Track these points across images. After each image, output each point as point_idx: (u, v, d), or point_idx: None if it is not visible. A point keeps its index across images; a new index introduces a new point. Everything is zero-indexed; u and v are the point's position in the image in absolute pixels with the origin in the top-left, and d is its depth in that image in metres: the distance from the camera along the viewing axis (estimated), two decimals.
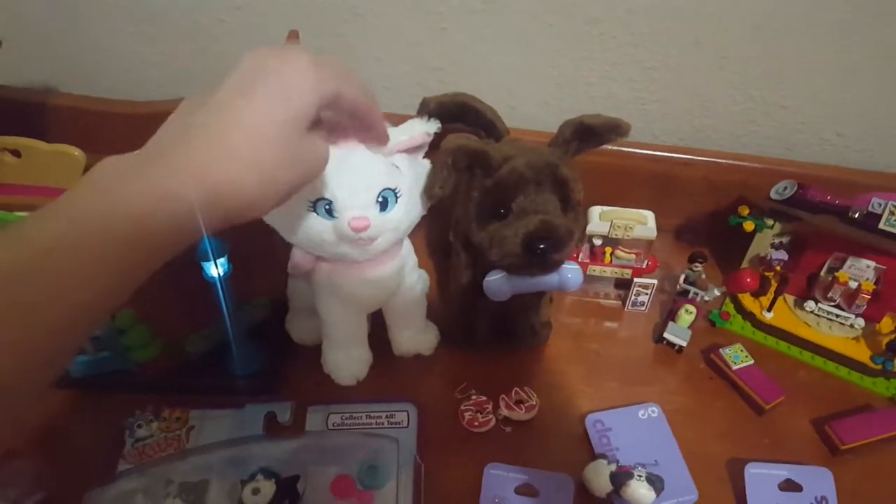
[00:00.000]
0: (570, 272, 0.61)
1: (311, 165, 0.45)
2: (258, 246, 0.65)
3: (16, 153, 0.78)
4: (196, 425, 0.67)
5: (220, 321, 0.66)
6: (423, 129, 0.57)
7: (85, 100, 0.90)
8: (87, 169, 0.77)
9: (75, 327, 0.36)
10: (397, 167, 0.57)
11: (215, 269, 0.62)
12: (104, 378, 0.68)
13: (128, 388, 0.69)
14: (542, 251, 0.58)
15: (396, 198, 0.57)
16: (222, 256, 0.61)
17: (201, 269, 0.62)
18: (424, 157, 0.61)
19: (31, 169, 0.79)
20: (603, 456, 0.64)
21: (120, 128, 0.87)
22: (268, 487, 0.59)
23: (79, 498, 0.58)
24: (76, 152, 0.77)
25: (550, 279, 0.61)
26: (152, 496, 0.60)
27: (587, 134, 0.62)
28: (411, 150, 0.59)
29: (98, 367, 0.67)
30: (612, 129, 0.62)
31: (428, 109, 0.70)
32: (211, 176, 0.38)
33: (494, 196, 0.59)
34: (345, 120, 0.50)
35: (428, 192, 0.58)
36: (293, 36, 0.58)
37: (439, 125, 0.58)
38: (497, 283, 0.60)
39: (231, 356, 0.69)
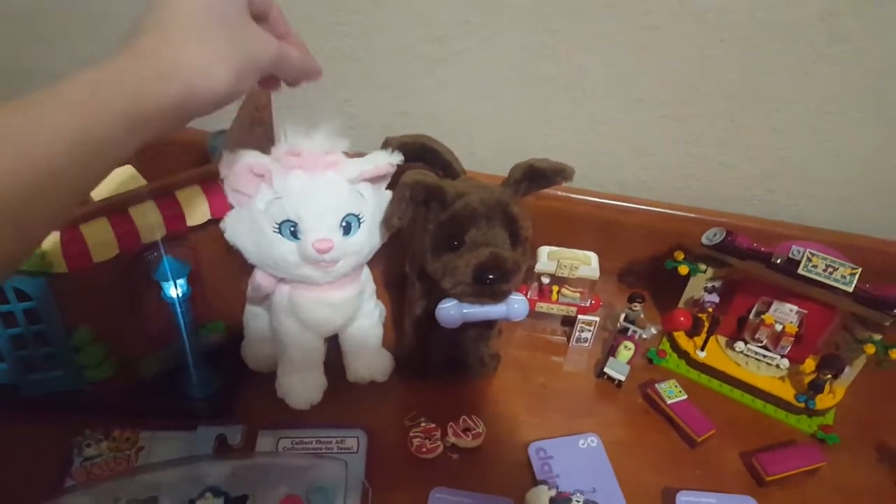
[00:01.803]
0: (517, 302, 0.65)
1: (257, 46, 0.47)
2: (215, 271, 0.68)
3: None
4: (146, 446, 0.67)
5: (177, 342, 0.68)
6: (387, 160, 0.62)
7: None
8: None
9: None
10: (361, 194, 0.61)
11: (174, 289, 0.63)
12: (56, 396, 0.68)
13: (79, 407, 0.69)
14: (492, 281, 0.61)
15: (360, 223, 0.60)
16: (181, 277, 0.63)
17: (160, 289, 0.64)
18: (387, 188, 0.65)
19: None
20: (544, 482, 0.66)
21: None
22: None
23: None
24: None
25: (498, 308, 0.64)
26: None
27: (536, 176, 0.66)
28: (375, 180, 0.62)
29: (50, 385, 0.68)
30: (559, 173, 0.67)
31: (391, 147, 0.74)
32: (160, 53, 0.41)
33: (448, 228, 0.63)
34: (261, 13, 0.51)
35: (387, 222, 0.62)
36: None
37: (402, 157, 0.62)
38: (449, 310, 0.64)
39: (185, 378, 0.70)
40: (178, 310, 0.65)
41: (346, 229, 0.59)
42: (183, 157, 0.82)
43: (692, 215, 0.87)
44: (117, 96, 0.38)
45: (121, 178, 0.65)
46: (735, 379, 0.79)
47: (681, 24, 0.77)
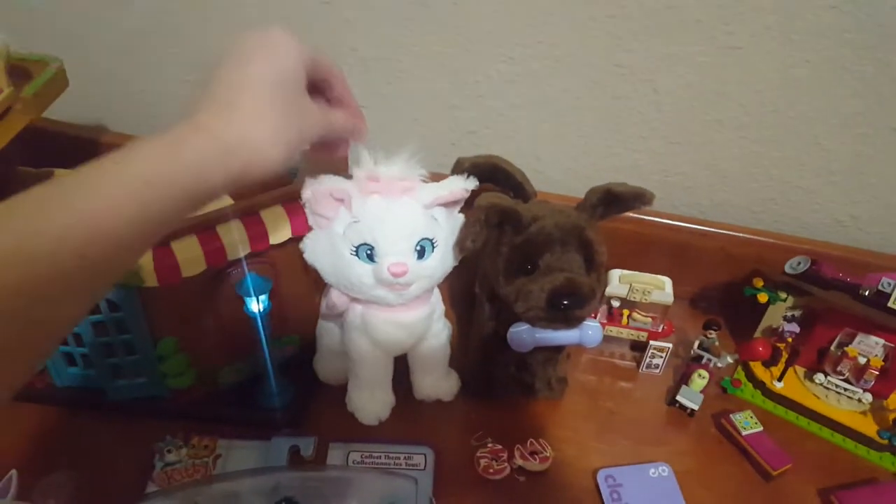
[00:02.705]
0: (591, 329, 0.64)
1: (308, 122, 0.49)
2: (291, 287, 0.70)
3: None
4: (223, 454, 0.69)
5: (256, 355, 0.70)
6: (462, 186, 0.62)
7: (133, 138, 0.95)
8: None
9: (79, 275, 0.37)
10: (436, 219, 0.61)
11: (256, 304, 0.65)
12: (139, 402, 0.72)
13: (160, 414, 0.72)
14: (566, 307, 0.61)
15: (433, 247, 0.61)
16: (264, 293, 0.65)
17: (242, 303, 0.66)
18: (460, 212, 0.66)
19: None
20: None
21: None
22: None
23: None
24: None
25: (571, 334, 0.64)
26: None
27: (613, 201, 0.66)
28: (449, 204, 0.63)
29: (135, 391, 0.71)
30: (637, 198, 0.66)
31: (463, 168, 0.75)
32: (224, 133, 0.43)
33: (523, 252, 0.63)
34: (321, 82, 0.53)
35: (460, 245, 0.62)
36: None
37: (477, 183, 0.63)
38: (521, 334, 0.64)
39: (261, 389, 0.72)
40: (259, 324, 0.67)
41: (421, 253, 0.60)
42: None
43: (772, 241, 0.84)
44: (180, 174, 0.41)
45: None
46: (814, 412, 0.77)
47: (764, 44, 0.75)
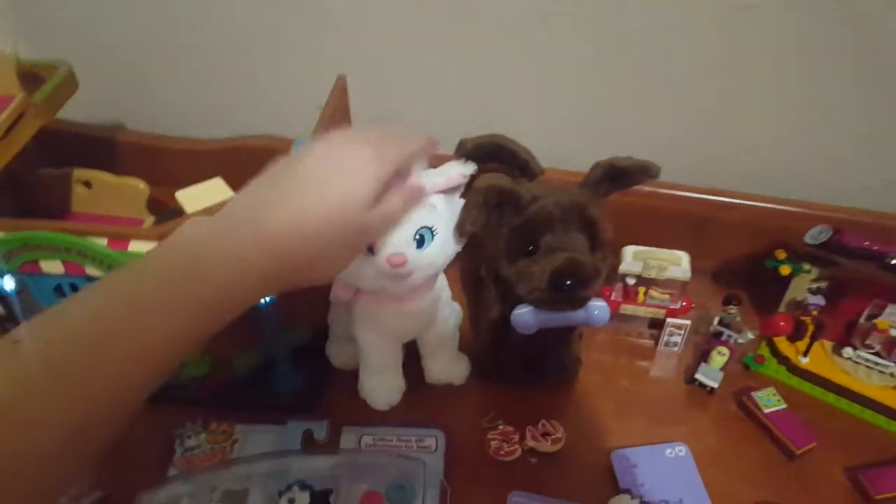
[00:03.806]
0: (597, 308, 0.63)
1: (368, 238, 0.52)
2: None
3: (87, 184, 0.86)
4: (240, 438, 0.71)
5: (268, 343, 0.71)
6: (459, 171, 0.61)
7: (150, 137, 0.98)
8: (149, 200, 0.85)
9: (148, 377, 0.41)
10: (434, 206, 0.61)
11: None
12: (160, 391, 0.73)
13: (180, 400, 0.74)
14: (568, 287, 0.60)
15: (433, 235, 0.60)
16: None
17: None
18: (461, 197, 0.65)
19: (101, 199, 0.86)
20: (627, 491, 0.65)
21: (181, 163, 0.94)
22: (302, 499, 0.63)
23: (132, 498, 0.63)
24: (141, 185, 0.84)
25: (577, 314, 0.63)
26: (197, 501, 0.64)
27: (617, 175, 0.64)
28: (448, 191, 0.62)
29: None
30: (643, 171, 0.64)
31: (465, 150, 0.74)
32: (282, 252, 0.44)
33: (523, 233, 0.62)
34: None
35: (459, 229, 0.61)
36: None
37: (475, 167, 0.62)
38: (524, 316, 0.63)
39: (275, 376, 0.73)
40: (267, 313, 0.68)
41: (420, 242, 0.59)
42: (264, 163, 0.86)
43: (796, 209, 0.81)
44: (242, 297, 0.43)
45: (211, 190, 0.69)
46: (841, 387, 0.74)
47: (783, 1, 0.71)
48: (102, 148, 0.96)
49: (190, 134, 0.97)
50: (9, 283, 0.66)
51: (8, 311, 0.69)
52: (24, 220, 0.64)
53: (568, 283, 0.60)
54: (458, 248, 0.65)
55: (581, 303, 0.62)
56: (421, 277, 0.62)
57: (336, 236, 0.46)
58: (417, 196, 0.56)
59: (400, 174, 0.54)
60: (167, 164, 0.94)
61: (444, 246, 0.62)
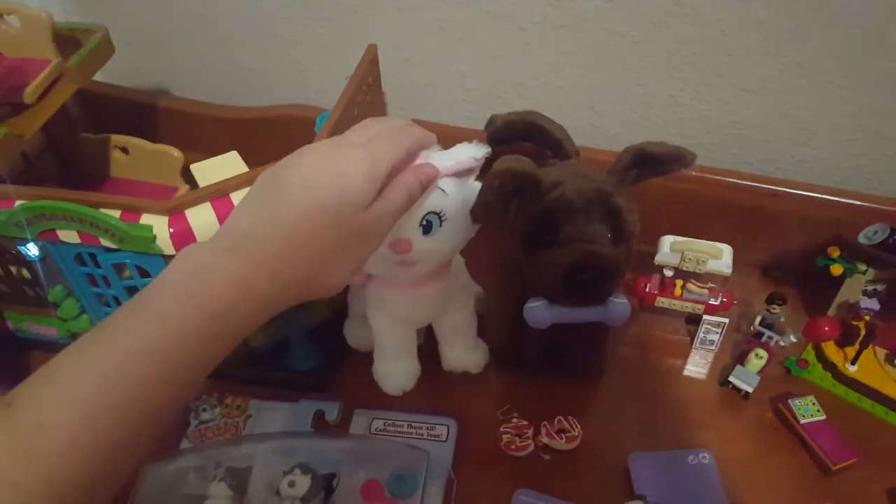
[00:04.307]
0: (616, 305, 0.59)
1: (374, 238, 0.48)
2: None
3: (125, 150, 0.87)
4: (253, 414, 0.71)
5: (285, 319, 0.70)
6: (470, 154, 0.57)
7: (187, 102, 0.97)
8: (184, 168, 0.85)
9: (148, 427, 0.39)
10: (444, 191, 0.57)
11: None
12: None
13: None
14: (585, 282, 0.56)
15: (441, 221, 0.57)
16: None
17: None
18: (477, 179, 0.61)
19: (137, 165, 0.87)
20: (642, 497, 0.61)
21: (216, 130, 0.94)
22: (303, 482, 0.62)
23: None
24: (175, 153, 0.84)
25: (593, 311, 0.59)
26: (202, 476, 0.64)
27: (647, 162, 0.59)
28: (460, 174, 0.59)
29: None
30: (675, 159, 0.59)
31: (494, 127, 0.70)
32: (281, 272, 0.42)
33: (541, 222, 0.58)
34: None
35: (473, 214, 0.58)
36: None
37: (489, 150, 0.58)
38: (536, 310, 0.59)
39: (291, 353, 0.73)
40: None
41: (427, 228, 0.56)
42: (297, 132, 0.85)
43: (857, 202, 0.73)
44: (245, 324, 0.43)
45: (226, 164, 0.68)
46: (893, 400, 0.67)
47: None
48: (142, 112, 0.96)
49: (225, 101, 0.96)
50: (33, 250, 0.67)
51: (33, 276, 0.71)
52: (41, 188, 0.64)
53: (584, 276, 0.56)
54: (472, 234, 0.61)
55: (599, 299, 0.58)
56: (428, 265, 0.60)
57: (336, 243, 0.44)
58: (427, 179, 0.52)
59: (405, 164, 0.52)
60: (203, 131, 0.94)
61: (454, 232, 0.58)
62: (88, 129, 0.89)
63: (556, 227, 0.58)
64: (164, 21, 0.93)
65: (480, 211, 0.58)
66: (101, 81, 0.84)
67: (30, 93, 0.71)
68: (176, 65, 0.98)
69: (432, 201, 0.56)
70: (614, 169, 0.60)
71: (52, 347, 0.76)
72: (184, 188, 0.87)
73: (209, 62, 0.96)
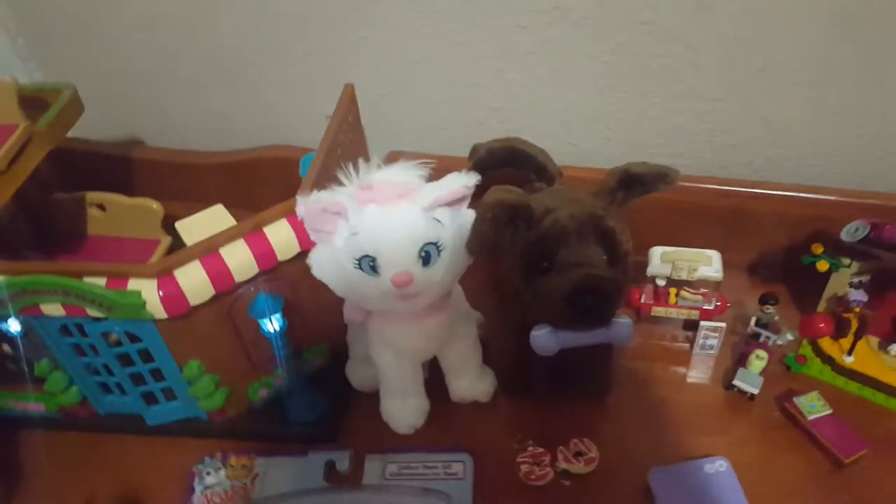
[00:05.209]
0: (620, 325, 0.59)
1: None
2: (314, 296, 0.67)
3: (101, 207, 0.85)
4: (261, 473, 0.69)
5: (282, 370, 0.69)
6: (462, 183, 0.57)
7: (161, 152, 0.96)
8: (165, 217, 0.83)
9: None
10: (439, 221, 0.57)
11: (271, 324, 0.64)
12: (178, 425, 0.72)
13: (197, 434, 0.72)
14: (587, 305, 0.56)
15: (439, 251, 0.57)
16: (276, 312, 0.64)
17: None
18: (470, 207, 0.61)
19: (115, 221, 0.85)
20: None
21: (194, 176, 0.93)
22: None
23: None
24: (154, 205, 0.82)
25: (598, 333, 0.59)
26: None
27: (633, 182, 0.60)
28: (452, 204, 0.59)
29: (170, 414, 0.71)
30: (660, 178, 0.60)
31: (478, 156, 0.70)
32: None
33: (537, 249, 0.58)
34: None
35: (469, 246, 0.58)
36: None
37: (478, 178, 0.58)
38: (542, 338, 0.59)
39: (292, 404, 0.71)
40: (276, 343, 0.65)
41: (426, 259, 0.56)
42: (278, 174, 0.84)
43: (834, 198, 0.76)
44: None
45: (212, 219, 0.66)
46: (891, 387, 0.69)
47: None
48: (115, 166, 0.94)
49: (204, 147, 0.95)
50: (14, 326, 0.65)
51: (14, 351, 0.69)
52: (21, 262, 0.62)
53: (586, 300, 0.56)
54: (469, 262, 0.61)
55: (602, 321, 0.59)
56: (430, 297, 0.59)
57: None
58: None
59: None
60: (181, 180, 0.93)
61: (452, 261, 0.58)
62: (60, 188, 0.87)
63: (552, 253, 0.58)
64: (127, 70, 0.92)
65: (476, 244, 0.58)
66: (71, 137, 0.82)
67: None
68: (144, 115, 0.97)
69: (429, 232, 0.56)
70: (602, 191, 0.61)
71: (38, 424, 0.74)
72: (166, 240, 0.86)
73: (177, 108, 0.95)
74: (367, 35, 0.81)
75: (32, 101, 0.75)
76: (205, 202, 0.78)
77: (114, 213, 0.85)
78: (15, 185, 0.71)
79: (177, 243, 0.83)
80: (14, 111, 0.73)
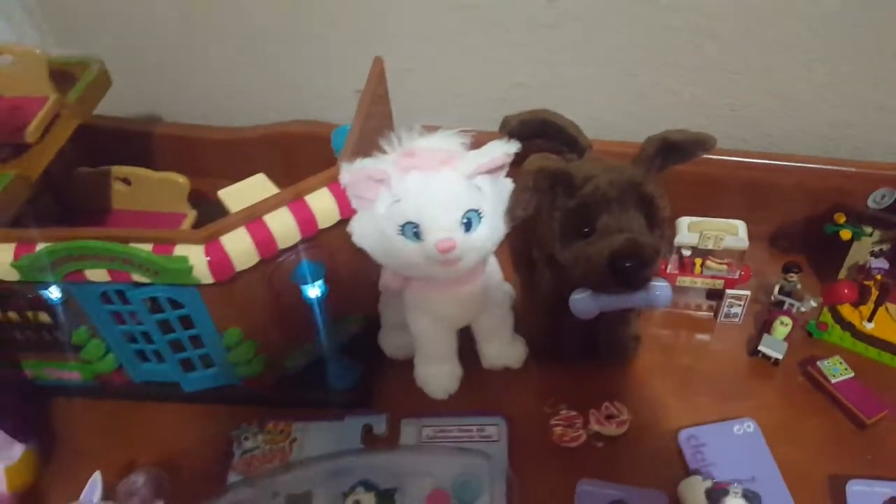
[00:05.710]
0: (659, 289, 0.61)
1: None
2: (351, 265, 0.69)
3: (126, 181, 0.85)
4: (298, 437, 0.70)
5: (318, 338, 0.70)
6: (503, 151, 0.59)
7: (185, 127, 0.96)
8: (190, 193, 0.83)
9: None
10: (479, 188, 0.58)
11: (313, 290, 0.65)
12: (214, 392, 0.73)
13: (234, 401, 0.73)
14: (628, 269, 0.58)
15: (480, 218, 0.58)
16: (319, 279, 0.65)
17: (300, 289, 0.65)
18: (507, 176, 0.63)
19: (141, 195, 0.85)
20: (697, 472, 0.63)
21: (221, 152, 0.93)
22: (368, 499, 0.63)
23: None
24: (181, 179, 0.82)
25: (638, 296, 0.61)
26: None
27: (671, 150, 0.61)
28: (493, 171, 0.60)
29: (207, 381, 0.72)
30: (698, 145, 0.61)
31: (509, 128, 0.71)
32: None
33: (578, 215, 0.60)
34: None
35: (510, 214, 0.59)
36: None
37: (519, 146, 0.59)
38: (583, 301, 0.61)
39: (329, 371, 0.72)
40: (317, 309, 0.66)
41: (468, 226, 0.57)
42: (305, 148, 0.84)
43: (853, 170, 0.78)
44: None
45: (254, 187, 0.67)
46: None
47: None
48: (141, 142, 0.94)
49: (228, 123, 0.95)
50: (55, 293, 0.66)
51: (53, 319, 0.69)
52: (68, 228, 0.63)
53: (628, 264, 0.58)
54: (507, 230, 0.63)
55: (642, 284, 0.60)
56: (470, 262, 0.61)
57: None
58: None
59: None
60: (207, 155, 0.93)
61: (493, 228, 0.60)
62: (83, 164, 0.87)
63: (592, 219, 0.60)
64: (149, 46, 0.91)
65: (518, 210, 0.59)
66: (94, 114, 0.82)
67: (31, 132, 0.69)
68: (167, 90, 0.97)
69: (471, 199, 0.57)
70: (640, 158, 0.62)
71: (74, 392, 0.75)
72: (192, 214, 0.86)
73: (200, 85, 0.95)
74: (385, 12, 0.82)
75: (59, 75, 0.75)
76: (231, 178, 0.79)
77: (139, 187, 0.85)
78: (48, 157, 0.71)
79: (202, 217, 0.84)
80: (44, 83, 0.72)
